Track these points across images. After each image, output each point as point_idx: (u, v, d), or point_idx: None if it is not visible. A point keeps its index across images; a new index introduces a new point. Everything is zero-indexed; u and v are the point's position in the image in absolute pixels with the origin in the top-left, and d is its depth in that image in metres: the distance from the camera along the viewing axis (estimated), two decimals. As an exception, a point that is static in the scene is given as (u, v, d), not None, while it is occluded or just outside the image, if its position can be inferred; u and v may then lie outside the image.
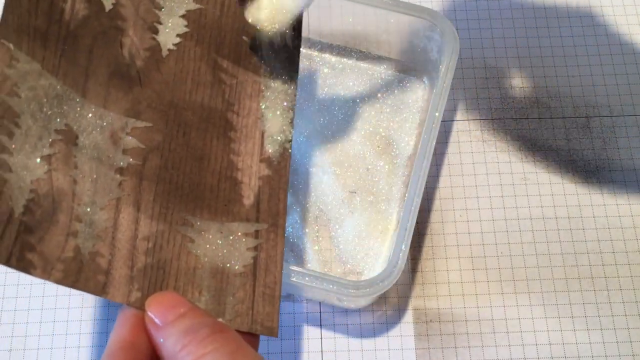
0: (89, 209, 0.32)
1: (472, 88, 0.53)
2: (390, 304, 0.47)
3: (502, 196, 0.50)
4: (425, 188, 0.43)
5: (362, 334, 0.46)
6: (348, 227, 0.48)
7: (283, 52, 0.40)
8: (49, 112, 0.32)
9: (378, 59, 0.53)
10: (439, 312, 0.47)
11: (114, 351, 0.29)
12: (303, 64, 0.53)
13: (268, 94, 0.39)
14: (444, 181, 0.50)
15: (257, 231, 0.35)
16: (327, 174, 0.49)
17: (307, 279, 0.41)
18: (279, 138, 0.38)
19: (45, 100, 0.32)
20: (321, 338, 0.46)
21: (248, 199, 0.36)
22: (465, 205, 0.49)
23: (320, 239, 0.48)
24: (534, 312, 0.47)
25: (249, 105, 0.38)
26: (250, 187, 0.36)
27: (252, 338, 0.33)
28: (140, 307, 0.31)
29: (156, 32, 0.37)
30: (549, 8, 0.56)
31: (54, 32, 0.34)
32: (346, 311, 0.47)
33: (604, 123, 0.52)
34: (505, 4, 0.56)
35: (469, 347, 0.46)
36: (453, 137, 0.52)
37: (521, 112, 0.52)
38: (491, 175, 0.50)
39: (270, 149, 0.37)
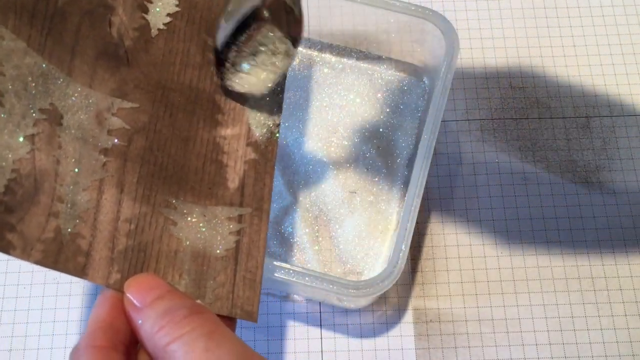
0: (71, 190, 0.31)
1: (472, 88, 0.53)
2: (390, 304, 0.47)
3: (502, 196, 0.50)
4: (425, 188, 0.43)
5: (362, 334, 0.46)
6: (348, 227, 0.48)
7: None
8: (34, 91, 0.32)
9: (378, 59, 0.53)
10: (439, 312, 0.47)
11: (92, 331, 0.29)
12: (303, 64, 0.53)
13: None
14: (443, 182, 0.50)
15: (240, 215, 0.35)
16: (327, 174, 0.49)
17: (307, 279, 0.41)
18: (267, 122, 0.37)
19: (30, 79, 0.32)
20: (321, 338, 0.46)
21: (233, 183, 0.35)
22: (465, 205, 0.49)
23: (320, 239, 0.48)
24: (534, 312, 0.47)
25: None
26: (235, 171, 0.36)
27: (229, 322, 0.33)
28: (120, 289, 0.31)
29: (146, 11, 0.36)
30: (549, 8, 0.56)
31: (41, 10, 0.34)
32: (346, 311, 0.47)
33: (604, 123, 0.52)
34: (505, 4, 0.56)
35: (469, 347, 0.46)
36: (453, 137, 0.52)
37: (521, 112, 0.52)
38: (491, 175, 0.50)
39: (257, 132, 0.37)
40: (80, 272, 0.31)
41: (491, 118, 0.52)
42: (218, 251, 0.34)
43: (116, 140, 0.33)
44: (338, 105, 0.51)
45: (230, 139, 0.36)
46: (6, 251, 0.29)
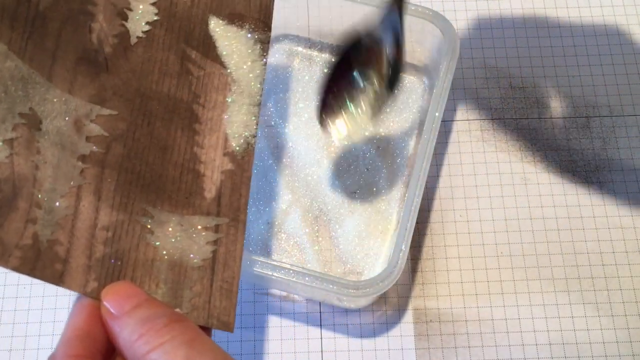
0: (49, 196, 0.31)
1: (472, 88, 0.53)
2: (390, 304, 0.47)
3: (502, 196, 0.50)
4: (425, 188, 0.43)
5: (362, 334, 0.46)
6: (348, 227, 0.48)
7: (253, 47, 0.40)
8: (14, 95, 0.31)
9: (378, 59, 0.53)
10: (439, 312, 0.47)
11: (69, 339, 0.29)
12: (303, 63, 0.53)
13: (234, 87, 0.38)
14: (444, 181, 0.50)
15: (217, 225, 0.35)
16: (327, 174, 0.49)
17: (307, 279, 0.41)
18: (244, 133, 0.38)
19: (10, 82, 0.32)
20: (321, 338, 0.46)
21: (210, 193, 0.35)
22: (465, 206, 0.49)
23: (320, 239, 0.48)
24: (534, 312, 0.46)
25: (215, 98, 0.38)
26: (212, 181, 0.36)
27: (206, 332, 0.32)
28: (97, 297, 0.31)
29: (126, 18, 0.36)
30: (549, 8, 0.56)
31: (22, 13, 0.33)
32: (346, 311, 0.47)
33: (604, 123, 0.52)
34: (506, 4, 0.56)
35: (469, 347, 0.46)
36: (453, 137, 0.52)
37: (521, 112, 0.52)
38: (491, 175, 0.50)
39: (234, 143, 0.37)
40: (57, 279, 0.30)
41: (491, 118, 0.52)
42: (195, 261, 0.34)
43: (94, 147, 0.33)
44: (338, 105, 0.51)
45: (207, 149, 0.36)
46: None
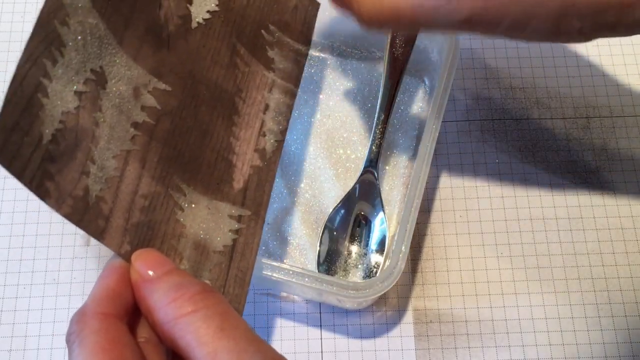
0: (103, 154, 0.33)
1: (472, 88, 0.53)
2: (390, 304, 0.47)
3: (502, 197, 0.50)
4: (425, 188, 0.43)
5: (362, 334, 0.46)
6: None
7: (292, 55, 0.42)
8: (90, 51, 0.33)
9: (378, 59, 0.53)
10: (439, 312, 0.47)
11: (100, 298, 0.30)
12: (303, 64, 0.53)
13: (273, 89, 0.41)
14: (444, 181, 0.50)
15: (240, 216, 0.37)
16: (327, 175, 0.49)
17: (307, 279, 0.41)
18: (274, 133, 0.40)
19: (89, 38, 0.33)
20: (321, 339, 0.46)
21: (238, 184, 0.37)
22: (466, 206, 0.49)
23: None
24: (534, 313, 0.46)
25: (255, 95, 0.40)
26: (241, 173, 0.38)
27: None
28: (128, 260, 0.32)
29: (191, 2, 0.38)
30: (549, 8, 0.55)
31: None
32: (346, 312, 0.47)
33: (604, 123, 0.52)
34: (506, 4, 0.56)
35: (469, 347, 0.46)
36: (453, 137, 0.52)
37: (521, 112, 0.52)
38: (491, 175, 0.50)
39: (265, 141, 0.39)
40: (99, 235, 0.31)
41: (491, 118, 0.52)
42: (217, 245, 0.35)
43: (147, 117, 0.35)
44: (338, 105, 0.51)
45: (241, 142, 0.38)
46: (43, 198, 0.30)
